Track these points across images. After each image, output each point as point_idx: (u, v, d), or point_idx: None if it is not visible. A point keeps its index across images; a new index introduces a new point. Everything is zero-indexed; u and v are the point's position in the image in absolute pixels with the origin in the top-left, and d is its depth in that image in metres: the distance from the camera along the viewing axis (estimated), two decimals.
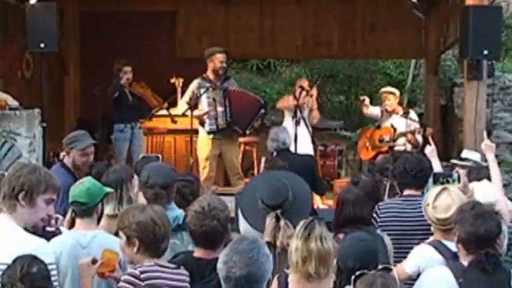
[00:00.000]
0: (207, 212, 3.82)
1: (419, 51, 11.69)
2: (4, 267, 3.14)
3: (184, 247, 4.49)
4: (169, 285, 3.59)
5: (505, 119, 11.57)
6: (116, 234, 3.90)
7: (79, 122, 10.72)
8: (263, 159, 6.91)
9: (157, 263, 3.64)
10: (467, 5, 7.86)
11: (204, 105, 8.36)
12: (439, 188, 4.43)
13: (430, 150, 5.91)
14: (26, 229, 3.33)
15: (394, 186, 5.82)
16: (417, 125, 9.01)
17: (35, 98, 9.08)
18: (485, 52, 7.62)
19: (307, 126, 8.86)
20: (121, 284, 3.61)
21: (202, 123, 8.43)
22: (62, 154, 6.56)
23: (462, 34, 8.01)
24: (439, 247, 4.26)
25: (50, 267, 3.19)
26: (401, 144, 9.09)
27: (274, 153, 6.88)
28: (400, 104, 10.01)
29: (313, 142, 8.98)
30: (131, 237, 3.67)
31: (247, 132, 8.57)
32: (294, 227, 3.80)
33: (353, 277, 3.41)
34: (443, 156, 10.91)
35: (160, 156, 6.39)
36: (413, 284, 4.12)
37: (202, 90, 8.37)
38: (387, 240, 4.85)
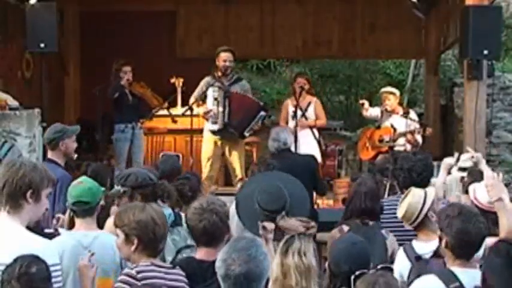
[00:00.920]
0: (206, 207, 3.84)
1: (419, 51, 11.69)
2: None
3: (184, 242, 4.52)
4: (166, 285, 3.59)
5: (505, 119, 11.58)
6: None
7: (79, 122, 10.72)
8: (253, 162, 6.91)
9: (153, 263, 3.64)
10: (467, 5, 7.86)
11: (209, 103, 8.36)
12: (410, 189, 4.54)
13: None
14: (29, 228, 3.32)
15: (394, 186, 5.83)
16: (417, 125, 9.00)
17: (35, 98, 9.08)
18: (485, 52, 7.63)
19: (311, 128, 8.90)
20: (118, 284, 3.61)
21: (207, 120, 8.43)
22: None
23: (462, 34, 8.01)
24: (408, 250, 4.32)
25: (54, 267, 3.17)
26: (401, 144, 9.08)
27: (275, 153, 6.88)
28: (400, 104, 10.00)
29: (318, 142, 8.98)
30: (130, 236, 3.66)
31: (246, 134, 8.54)
32: None
33: (353, 277, 3.41)
34: (443, 157, 10.93)
35: (180, 155, 6.33)
36: None
37: (206, 87, 8.38)
38: (392, 240, 4.86)
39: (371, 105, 9.71)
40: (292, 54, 12.72)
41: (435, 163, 6.03)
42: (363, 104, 9.55)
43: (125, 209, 3.83)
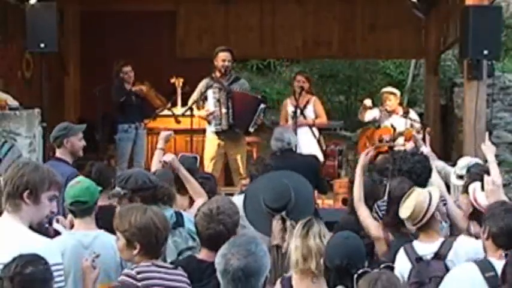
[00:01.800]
0: (214, 215, 3.82)
1: (419, 51, 11.69)
2: None
3: (185, 243, 4.51)
4: (166, 285, 3.58)
5: (505, 119, 11.58)
6: None
7: (79, 122, 10.71)
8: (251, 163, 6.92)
9: (154, 263, 3.63)
10: (467, 5, 7.87)
11: (210, 104, 8.35)
12: (412, 189, 4.51)
13: (427, 151, 5.91)
14: (31, 228, 3.30)
15: None
16: (417, 125, 9.00)
17: (35, 98, 9.08)
18: (485, 52, 7.63)
19: (310, 127, 8.90)
20: (117, 284, 3.60)
21: (209, 122, 8.43)
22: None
23: (462, 34, 8.01)
24: (408, 250, 4.31)
25: (56, 267, 3.14)
26: (400, 144, 9.08)
27: (278, 153, 6.90)
28: (400, 104, 10.00)
29: (318, 141, 8.99)
30: (132, 241, 3.64)
31: (251, 130, 8.52)
32: None
33: (355, 276, 3.41)
34: (443, 157, 10.93)
35: (198, 156, 6.34)
36: None
37: (204, 89, 8.37)
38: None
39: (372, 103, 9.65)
40: (292, 54, 12.72)
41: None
42: (364, 104, 9.41)
43: (125, 212, 3.78)
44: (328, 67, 14.70)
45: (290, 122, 8.78)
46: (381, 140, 9.27)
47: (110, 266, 4.09)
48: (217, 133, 8.40)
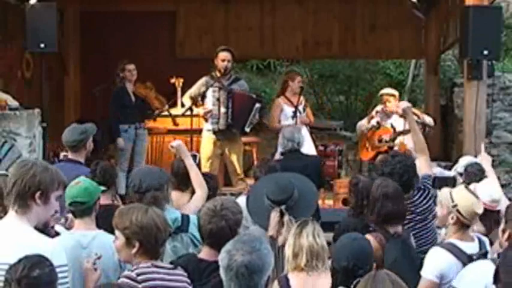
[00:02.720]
0: (218, 211, 3.84)
1: (419, 51, 11.69)
2: None
3: (185, 249, 4.49)
4: (167, 285, 3.58)
5: (505, 119, 11.56)
6: None
7: (79, 122, 10.70)
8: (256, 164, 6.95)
9: (154, 264, 3.62)
10: (467, 5, 7.87)
11: (209, 103, 8.36)
12: (462, 187, 4.42)
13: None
14: (36, 228, 3.29)
15: None
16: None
17: (35, 98, 9.09)
18: (485, 52, 7.64)
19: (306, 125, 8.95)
20: (118, 287, 3.60)
21: (206, 120, 8.43)
22: (62, 154, 6.55)
23: (462, 34, 8.02)
24: (454, 250, 4.17)
25: (61, 268, 3.12)
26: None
27: (286, 153, 7.00)
28: None
29: (313, 141, 9.04)
30: (132, 239, 3.63)
31: (247, 130, 8.53)
32: None
33: (354, 282, 3.41)
34: (443, 157, 10.92)
35: (197, 154, 6.28)
36: None
37: (205, 88, 8.37)
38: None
39: (370, 104, 9.65)
40: (292, 54, 12.70)
41: (434, 163, 6.03)
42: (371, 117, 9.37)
43: (126, 210, 3.76)
44: (328, 67, 14.70)
45: (288, 122, 8.73)
46: (380, 140, 9.27)
47: (109, 266, 4.07)
48: (214, 132, 8.40)
